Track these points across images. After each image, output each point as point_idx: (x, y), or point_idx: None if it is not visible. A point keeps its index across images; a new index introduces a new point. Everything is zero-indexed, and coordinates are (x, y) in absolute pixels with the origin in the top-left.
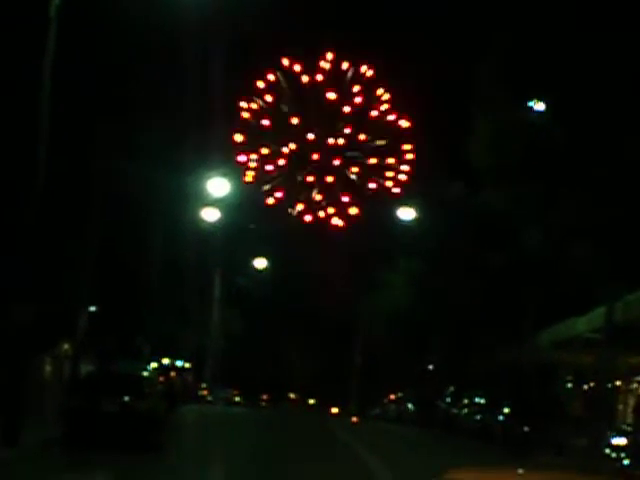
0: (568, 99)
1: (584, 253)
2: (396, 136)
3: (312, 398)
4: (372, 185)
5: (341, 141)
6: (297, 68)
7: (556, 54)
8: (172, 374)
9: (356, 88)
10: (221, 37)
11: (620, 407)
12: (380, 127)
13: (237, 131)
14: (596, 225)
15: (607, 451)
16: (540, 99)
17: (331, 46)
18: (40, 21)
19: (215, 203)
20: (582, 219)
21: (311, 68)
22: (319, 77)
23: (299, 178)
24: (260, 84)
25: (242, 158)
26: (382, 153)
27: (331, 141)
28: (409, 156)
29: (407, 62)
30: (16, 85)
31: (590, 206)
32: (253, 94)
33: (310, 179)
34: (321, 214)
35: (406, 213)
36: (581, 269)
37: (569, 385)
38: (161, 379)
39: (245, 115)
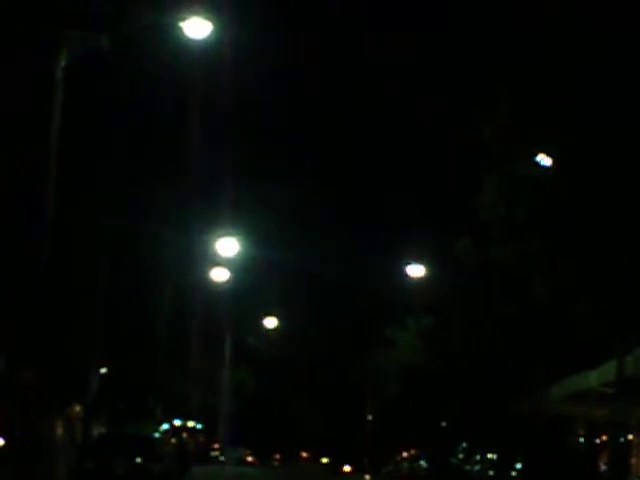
0: (575, 154)
1: (595, 306)
2: None
3: (325, 456)
4: None
5: None
6: None
7: (564, 108)
8: (184, 435)
9: None
10: (230, 97)
11: (633, 460)
12: None
13: None
14: (607, 278)
15: None
16: (548, 154)
17: None
18: (46, 84)
19: (224, 263)
20: (593, 272)
21: None
22: None
23: None
24: None
25: None
26: None
27: None
28: None
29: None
30: (23, 146)
31: (601, 259)
32: None
33: None
34: None
35: (415, 270)
36: (592, 322)
37: (581, 439)
38: (173, 440)
39: None
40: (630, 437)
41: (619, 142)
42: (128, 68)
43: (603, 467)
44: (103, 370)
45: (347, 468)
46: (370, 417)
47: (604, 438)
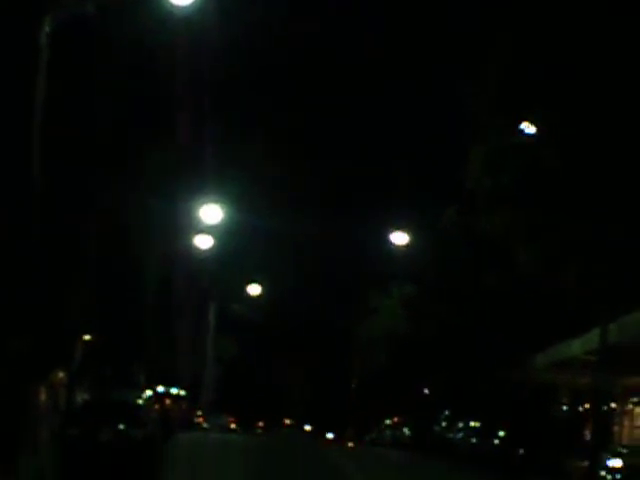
0: (560, 122)
1: (579, 274)
2: None
3: (308, 424)
4: None
5: None
6: None
7: (549, 75)
8: (167, 402)
9: None
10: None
11: (616, 429)
12: None
13: None
14: (591, 246)
15: (603, 473)
16: (532, 122)
17: None
18: (29, 50)
19: (208, 230)
20: (577, 240)
21: None
22: None
23: None
24: None
25: None
26: None
27: None
28: None
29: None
30: (6, 113)
31: (586, 227)
32: None
33: None
34: None
35: (399, 238)
36: (576, 290)
37: (565, 407)
38: (156, 407)
39: None
40: (613, 405)
41: (604, 108)
42: (113, 34)
43: (588, 435)
44: (87, 337)
45: (330, 435)
46: (354, 385)
47: (588, 406)
